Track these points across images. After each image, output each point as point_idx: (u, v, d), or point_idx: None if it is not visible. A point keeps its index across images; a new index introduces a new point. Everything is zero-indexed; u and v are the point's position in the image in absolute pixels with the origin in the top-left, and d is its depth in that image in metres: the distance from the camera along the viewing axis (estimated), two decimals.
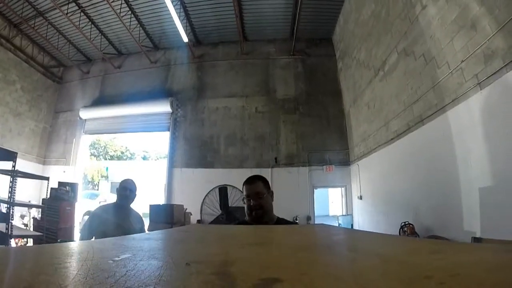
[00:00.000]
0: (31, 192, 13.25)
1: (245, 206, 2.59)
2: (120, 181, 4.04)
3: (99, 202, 16.49)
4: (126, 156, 40.28)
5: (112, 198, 19.30)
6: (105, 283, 0.54)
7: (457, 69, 5.90)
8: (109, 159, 36.98)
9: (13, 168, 6.46)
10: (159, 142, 35.69)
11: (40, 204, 8.68)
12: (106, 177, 31.34)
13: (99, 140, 35.12)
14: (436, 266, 0.66)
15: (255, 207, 2.43)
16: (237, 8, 12.74)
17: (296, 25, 13.26)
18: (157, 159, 40.72)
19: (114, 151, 39.13)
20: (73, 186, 9.44)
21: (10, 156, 7.00)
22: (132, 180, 4.11)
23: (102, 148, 37.51)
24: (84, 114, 16.41)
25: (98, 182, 31.31)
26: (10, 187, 6.36)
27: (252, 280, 0.56)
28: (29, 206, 8.40)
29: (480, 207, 5.37)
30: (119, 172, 30.54)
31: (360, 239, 1.38)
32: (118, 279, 0.57)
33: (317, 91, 14.55)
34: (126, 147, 40.29)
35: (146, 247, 1.06)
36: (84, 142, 17.13)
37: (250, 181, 2.62)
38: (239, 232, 1.82)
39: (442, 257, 0.78)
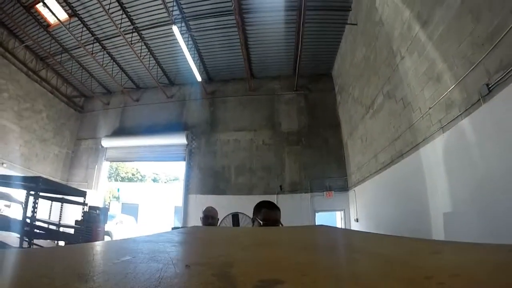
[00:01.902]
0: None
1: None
2: (203, 210, 4.41)
3: (116, 223, 17.63)
4: (137, 178, 40.90)
5: (125, 218, 20.30)
6: (105, 285, 0.56)
7: (426, 114, 7.08)
8: (120, 181, 37.55)
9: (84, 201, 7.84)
10: (169, 165, 35.94)
11: (74, 225, 9.88)
12: (118, 198, 31.96)
13: (111, 162, 36.08)
14: (436, 266, 0.67)
15: None
16: (244, 49, 14.03)
17: (298, 63, 14.38)
18: (167, 181, 41.32)
19: (125, 173, 39.68)
20: (102, 210, 10.68)
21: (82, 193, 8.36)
22: (212, 208, 4.44)
23: (114, 169, 37.88)
24: (106, 143, 17.71)
25: (109, 203, 32.03)
26: (60, 212, 7.67)
27: (253, 282, 0.56)
28: (72, 227, 9.56)
29: (444, 229, 6.48)
30: (130, 193, 31.37)
31: (360, 240, 1.40)
32: (118, 282, 0.60)
33: (318, 124, 15.74)
34: (137, 169, 40.90)
35: (146, 249, 1.07)
36: (105, 168, 18.32)
37: (271, 208, 2.80)
38: (240, 233, 1.92)
39: (442, 258, 0.80)
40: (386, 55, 9.23)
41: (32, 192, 7.33)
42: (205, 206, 13.08)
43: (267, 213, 2.71)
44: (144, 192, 31.53)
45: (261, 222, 2.65)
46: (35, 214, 7.13)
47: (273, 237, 1.56)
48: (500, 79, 4.74)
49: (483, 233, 5.14)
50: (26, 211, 7.13)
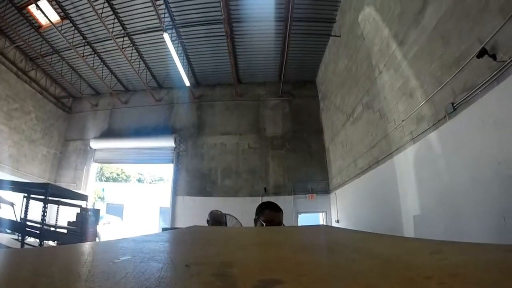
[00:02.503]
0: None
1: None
2: (210, 213, 4.34)
3: (103, 224, 17.88)
4: (122, 178, 40.65)
5: (112, 219, 20.49)
6: (105, 285, 0.57)
7: (399, 125, 7.77)
8: (105, 181, 37.12)
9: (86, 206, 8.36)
10: (154, 166, 35.90)
11: (67, 225, 10.26)
12: (102, 198, 31.55)
13: (100, 163, 35.81)
14: (436, 266, 0.68)
15: None
16: (232, 57, 14.55)
17: (283, 70, 15.00)
18: (152, 182, 41.24)
19: (110, 173, 39.31)
20: (94, 212, 11.07)
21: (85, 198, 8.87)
22: (220, 212, 4.38)
23: (99, 169, 37.53)
24: (94, 144, 17.95)
25: (94, 203, 31.76)
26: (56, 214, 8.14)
27: (252, 281, 0.57)
28: (67, 228, 9.93)
29: (414, 230, 7.18)
30: (114, 193, 31.17)
31: (360, 240, 1.40)
32: (118, 281, 0.60)
33: (302, 129, 16.45)
34: (122, 169, 40.64)
35: (146, 249, 1.07)
36: (93, 169, 18.58)
37: (275, 209, 2.80)
38: (239, 233, 1.91)
39: (442, 257, 0.80)
40: (366, 68, 9.92)
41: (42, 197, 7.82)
42: (193, 208, 13.48)
43: (271, 215, 2.73)
44: (129, 192, 31.42)
45: (264, 224, 2.67)
46: (45, 217, 7.58)
47: (273, 237, 1.55)
48: (464, 99, 5.42)
49: (447, 234, 5.85)
50: (27, 213, 7.60)
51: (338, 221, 13.33)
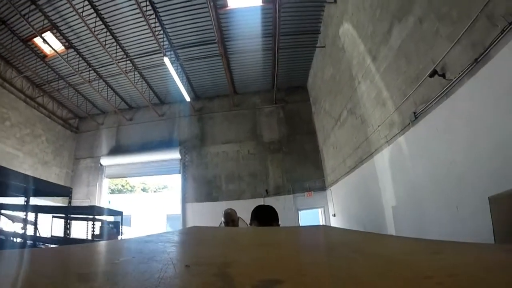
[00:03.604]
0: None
1: None
2: (226, 213, 4.56)
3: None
4: (126, 189, 41.43)
5: (125, 229, 21.49)
6: (106, 285, 0.57)
7: (376, 130, 8.97)
8: (110, 193, 37.97)
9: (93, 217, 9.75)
10: (162, 177, 36.51)
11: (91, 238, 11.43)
12: None
13: (111, 179, 36.34)
14: (435, 266, 0.67)
15: None
16: (227, 71, 15.89)
17: (276, 78, 16.20)
18: (156, 190, 41.90)
19: (115, 185, 40.19)
20: (116, 224, 12.29)
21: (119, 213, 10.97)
22: (232, 211, 4.59)
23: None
24: (104, 161, 19.16)
25: None
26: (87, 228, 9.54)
27: (252, 282, 0.57)
28: (94, 240, 11.09)
29: (393, 219, 8.40)
30: (120, 204, 32.02)
31: (360, 240, 1.39)
32: (118, 282, 0.60)
33: (296, 132, 17.76)
34: (126, 180, 41.42)
35: (146, 249, 1.08)
36: (105, 185, 19.79)
37: (267, 215, 2.72)
38: (239, 233, 1.91)
39: (441, 257, 0.80)
40: (348, 78, 11.06)
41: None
42: (202, 213, 14.57)
43: (262, 223, 2.65)
44: (134, 202, 32.01)
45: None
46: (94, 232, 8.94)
47: (273, 237, 1.53)
48: (423, 110, 6.60)
49: (416, 222, 7.11)
50: (68, 230, 8.96)
51: (334, 215, 14.52)
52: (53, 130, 19.01)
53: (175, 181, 26.00)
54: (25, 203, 7.27)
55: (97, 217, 11.19)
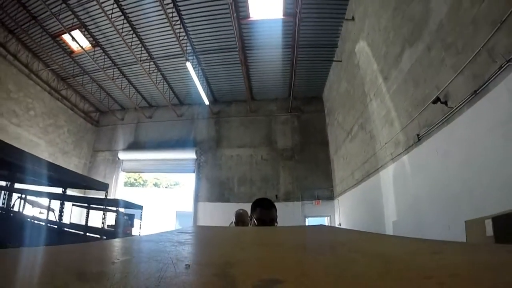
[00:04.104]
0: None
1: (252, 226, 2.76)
2: (237, 213, 4.47)
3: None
4: (139, 183, 42.09)
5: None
6: (106, 285, 0.56)
7: (383, 147, 9.36)
8: (122, 186, 38.57)
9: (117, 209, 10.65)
10: (177, 175, 36.84)
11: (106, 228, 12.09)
12: None
13: (127, 173, 36.72)
14: (436, 266, 0.68)
15: None
16: (246, 79, 16.39)
17: (292, 88, 16.72)
18: (168, 186, 42.37)
19: (128, 178, 40.88)
20: (130, 216, 12.94)
21: (140, 207, 11.72)
22: (243, 211, 4.48)
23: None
24: (122, 155, 19.96)
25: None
26: (102, 218, 10.38)
27: (253, 281, 0.57)
28: (110, 230, 11.72)
29: (393, 233, 8.75)
30: (132, 198, 32.50)
31: (360, 240, 1.40)
32: (119, 282, 0.60)
33: (309, 141, 18.24)
34: (139, 175, 41.88)
35: (146, 249, 1.09)
36: (122, 178, 20.60)
37: (266, 207, 2.76)
38: (240, 233, 1.94)
39: (442, 257, 0.80)
40: (361, 94, 11.42)
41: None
42: (213, 212, 15.10)
43: (261, 212, 2.70)
44: (145, 197, 32.49)
45: (256, 222, 2.68)
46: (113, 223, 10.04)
47: (273, 237, 1.53)
48: (425, 132, 6.99)
49: (415, 235, 7.46)
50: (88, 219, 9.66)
51: (340, 225, 14.84)
52: (75, 122, 19.91)
53: (187, 178, 26.54)
54: (63, 193, 8.37)
55: (113, 208, 11.94)
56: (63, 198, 9.70)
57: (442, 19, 6.29)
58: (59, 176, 8.48)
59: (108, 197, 10.67)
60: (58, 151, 18.51)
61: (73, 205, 11.66)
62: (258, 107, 19.45)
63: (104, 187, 10.71)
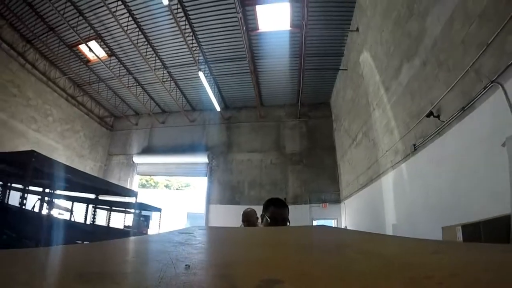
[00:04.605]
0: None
1: (264, 224, 2.80)
2: (243, 212, 4.58)
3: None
4: (150, 184, 42.61)
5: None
6: (106, 285, 0.57)
7: (384, 155, 9.88)
8: (137, 188, 39.04)
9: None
10: (190, 179, 37.16)
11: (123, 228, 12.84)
12: None
13: (141, 176, 37.09)
14: (436, 266, 0.68)
15: None
16: (255, 84, 17.03)
17: (300, 94, 17.32)
18: (179, 188, 42.93)
19: (139, 179, 41.38)
20: (146, 217, 13.64)
21: (159, 209, 12.63)
22: (250, 210, 4.58)
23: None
24: (136, 159, 20.75)
25: None
26: (124, 219, 11.17)
27: (253, 282, 0.57)
28: (127, 230, 12.43)
29: (393, 234, 9.27)
30: (144, 199, 33.05)
31: (360, 240, 1.41)
32: (119, 282, 0.60)
33: (317, 146, 18.77)
34: (151, 177, 42.51)
35: (146, 249, 1.11)
36: (136, 181, 21.39)
37: (279, 205, 2.81)
38: (240, 233, 1.96)
39: (442, 257, 0.80)
40: (365, 102, 11.89)
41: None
42: (223, 214, 15.80)
43: (275, 211, 2.76)
44: (157, 198, 32.96)
45: (269, 219, 2.71)
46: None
47: (273, 237, 1.52)
48: (421, 143, 7.50)
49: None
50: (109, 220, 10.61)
51: (346, 227, 15.25)
52: (91, 127, 20.72)
53: (198, 181, 27.17)
54: (95, 199, 10.24)
55: (132, 210, 12.70)
56: (98, 203, 10.95)
57: (436, 37, 6.74)
58: (95, 185, 9.73)
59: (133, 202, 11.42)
60: (75, 154, 19.30)
61: (96, 207, 12.32)
62: (267, 113, 20.06)
63: (134, 194, 11.55)
